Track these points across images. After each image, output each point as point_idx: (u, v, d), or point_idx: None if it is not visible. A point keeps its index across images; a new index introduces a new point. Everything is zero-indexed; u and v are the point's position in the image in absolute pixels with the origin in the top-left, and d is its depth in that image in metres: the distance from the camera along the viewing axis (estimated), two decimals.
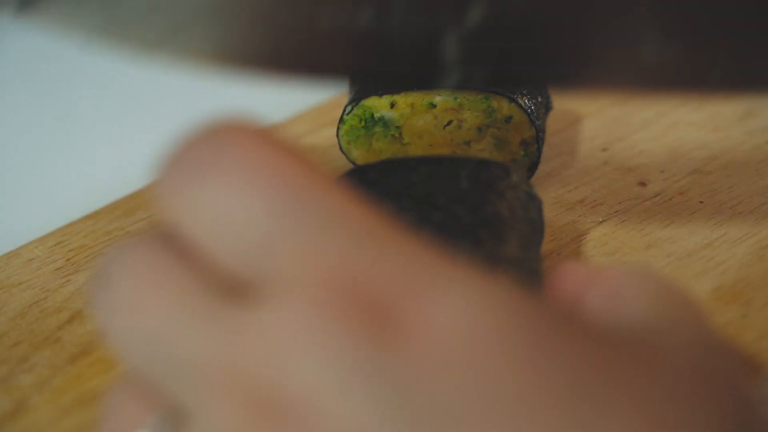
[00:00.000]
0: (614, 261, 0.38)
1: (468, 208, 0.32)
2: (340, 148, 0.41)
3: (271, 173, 0.21)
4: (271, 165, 0.21)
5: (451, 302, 0.20)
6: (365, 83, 0.41)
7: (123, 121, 0.51)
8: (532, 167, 0.40)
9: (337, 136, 0.41)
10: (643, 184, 0.42)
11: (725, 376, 0.22)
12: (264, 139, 0.22)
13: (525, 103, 0.39)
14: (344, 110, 0.41)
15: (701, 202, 0.41)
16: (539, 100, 0.41)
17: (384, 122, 0.40)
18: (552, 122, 0.43)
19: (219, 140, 0.22)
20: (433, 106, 0.40)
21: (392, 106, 0.40)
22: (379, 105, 0.40)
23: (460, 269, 0.21)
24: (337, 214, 0.21)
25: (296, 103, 0.49)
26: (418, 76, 0.32)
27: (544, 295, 0.26)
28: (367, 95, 0.40)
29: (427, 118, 0.40)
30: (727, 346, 0.24)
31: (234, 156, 0.22)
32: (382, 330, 0.20)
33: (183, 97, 0.53)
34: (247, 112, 0.23)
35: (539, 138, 0.39)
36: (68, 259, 0.40)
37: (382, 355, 0.20)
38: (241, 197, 0.21)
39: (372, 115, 0.40)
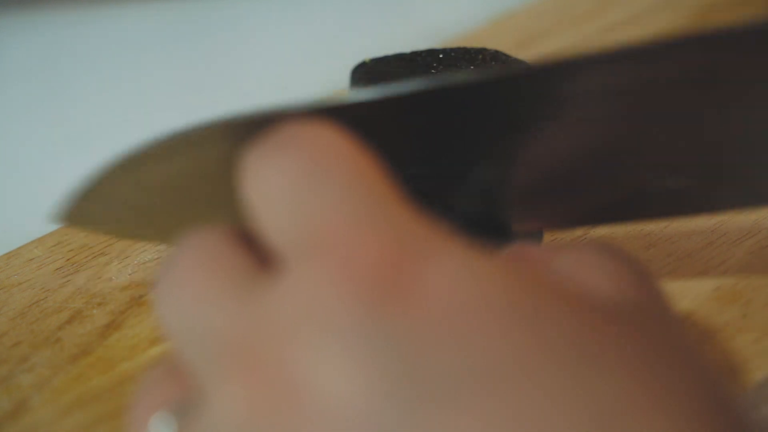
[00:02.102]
0: None
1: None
2: None
3: (311, 156, 0.22)
4: (312, 149, 0.23)
5: (454, 270, 0.21)
6: (365, 81, 0.41)
7: (123, 121, 0.51)
8: None
9: None
10: None
11: (686, 348, 0.23)
12: (323, 131, 0.23)
13: None
14: None
15: None
16: None
17: None
18: None
19: (288, 131, 0.23)
20: None
21: None
22: None
23: (464, 244, 0.22)
24: (359, 192, 0.22)
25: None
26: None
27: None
28: None
29: None
30: (682, 322, 0.24)
31: (292, 142, 0.23)
32: (390, 294, 0.20)
33: (183, 96, 0.53)
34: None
35: None
36: (68, 259, 0.40)
37: (388, 317, 0.20)
38: (287, 173, 0.22)
39: None
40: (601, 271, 0.24)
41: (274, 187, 0.23)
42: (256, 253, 0.23)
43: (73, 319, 0.37)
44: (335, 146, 0.23)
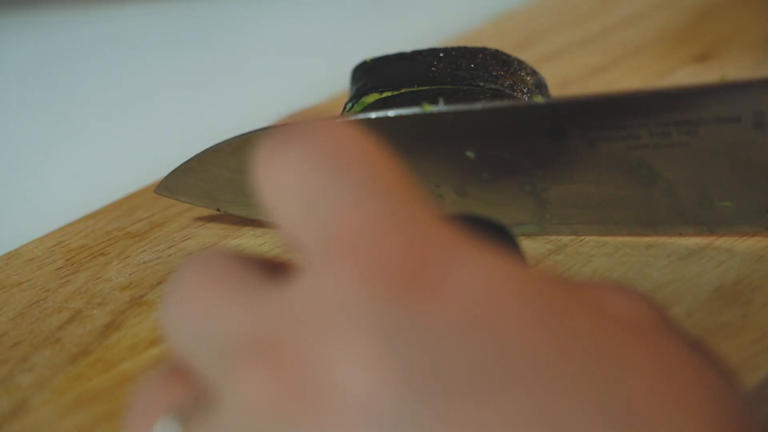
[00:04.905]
0: (614, 261, 0.38)
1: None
2: None
3: (326, 151, 0.22)
4: (329, 145, 0.22)
5: (476, 269, 0.21)
6: (366, 80, 0.41)
7: (123, 121, 0.51)
8: None
9: None
10: None
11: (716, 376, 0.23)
12: (337, 127, 0.23)
13: None
14: (345, 107, 0.41)
15: None
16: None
17: None
18: None
19: (302, 126, 0.23)
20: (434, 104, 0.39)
21: None
22: None
23: (484, 244, 0.22)
24: (380, 189, 0.22)
25: (296, 103, 0.49)
26: None
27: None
28: (367, 92, 0.40)
29: None
30: (698, 347, 0.24)
31: (307, 137, 0.23)
32: (411, 290, 0.20)
33: (182, 97, 0.53)
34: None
35: None
36: (68, 259, 0.40)
37: (408, 316, 0.20)
38: (301, 170, 0.22)
39: None
40: (621, 299, 0.24)
41: (291, 181, 0.22)
42: (263, 269, 0.23)
43: (73, 319, 0.37)
44: (352, 140, 0.23)
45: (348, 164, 0.22)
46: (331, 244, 0.21)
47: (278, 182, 0.23)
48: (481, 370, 0.20)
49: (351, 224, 0.21)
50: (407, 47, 0.42)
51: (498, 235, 0.32)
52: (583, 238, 0.39)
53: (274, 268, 0.23)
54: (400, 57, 0.42)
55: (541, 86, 0.42)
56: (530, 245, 0.37)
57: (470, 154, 0.36)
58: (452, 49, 0.42)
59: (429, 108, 0.36)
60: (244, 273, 0.23)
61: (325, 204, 0.22)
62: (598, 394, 0.20)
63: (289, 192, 0.22)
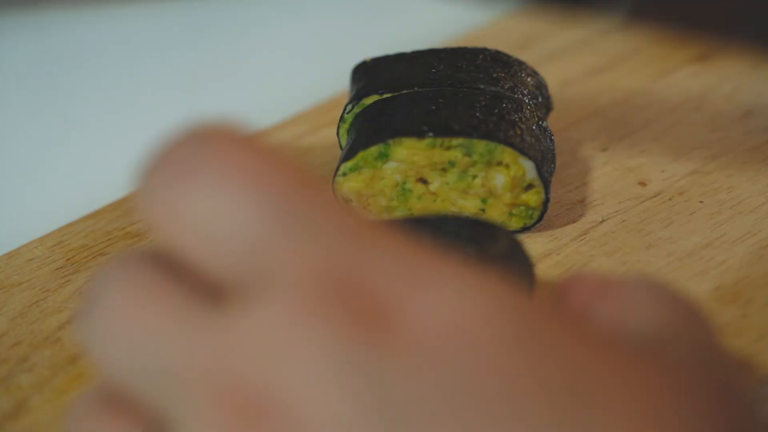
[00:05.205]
0: (614, 261, 0.38)
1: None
2: (341, 146, 0.41)
3: (256, 175, 0.21)
4: (256, 167, 0.21)
5: (437, 298, 0.20)
6: (366, 81, 0.41)
7: (123, 120, 0.51)
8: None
9: (338, 134, 0.41)
10: (643, 184, 0.42)
11: (725, 384, 0.23)
12: (248, 143, 0.22)
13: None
14: (345, 108, 0.41)
15: (701, 202, 0.41)
16: (539, 100, 0.41)
17: None
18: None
19: (202, 144, 0.22)
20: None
21: None
22: None
23: (447, 264, 0.21)
24: (324, 214, 0.21)
25: (296, 103, 0.49)
26: None
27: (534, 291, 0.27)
28: (367, 93, 0.40)
29: None
30: (728, 356, 0.24)
31: (218, 159, 0.21)
32: (368, 327, 0.20)
33: (183, 97, 0.53)
34: (230, 117, 0.23)
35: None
36: (68, 259, 0.40)
37: (366, 351, 0.20)
38: (226, 199, 0.21)
39: None
40: (649, 303, 0.24)
41: (221, 215, 0.21)
42: (183, 275, 0.22)
43: (73, 319, 0.37)
44: (278, 159, 0.21)
45: (300, 197, 0.21)
46: (276, 276, 0.21)
47: (193, 216, 0.21)
48: (434, 405, 0.19)
49: (298, 256, 0.21)
50: (407, 47, 0.42)
51: (499, 236, 0.32)
52: (583, 237, 0.39)
53: (200, 282, 0.22)
54: (400, 57, 0.42)
55: (541, 87, 0.42)
56: (531, 245, 0.37)
57: None
58: (452, 49, 0.42)
59: None
60: (175, 287, 0.22)
61: (261, 233, 0.21)
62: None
63: (208, 223, 0.21)
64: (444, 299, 0.20)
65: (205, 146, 0.22)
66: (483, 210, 0.39)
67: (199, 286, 0.22)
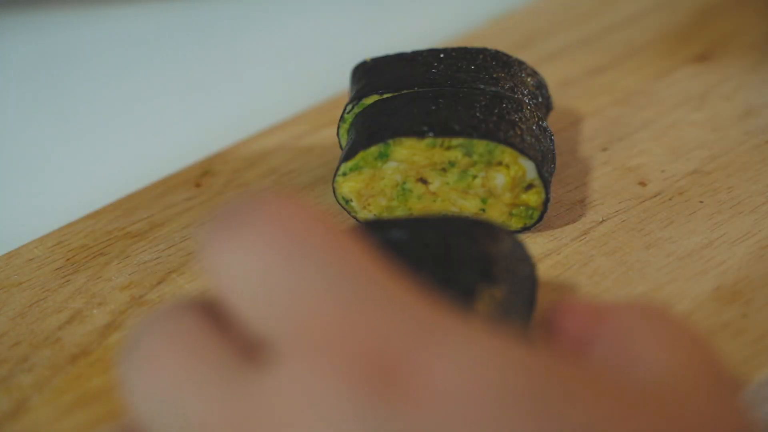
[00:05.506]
0: (614, 261, 0.38)
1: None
2: (341, 146, 0.41)
3: (286, 233, 0.22)
4: (289, 226, 0.22)
5: (453, 357, 0.21)
6: (366, 81, 0.41)
7: (123, 120, 0.51)
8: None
9: (338, 134, 0.41)
10: (643, 184, 0.42)
11: (731, 422, 0.23)
12: (292, 203, 0.22)
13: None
14: (345, 108, 0.41)
15: (701, 202, 0.41)
16: (539, 100, 0.41)
17: None
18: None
19: (251, 204, 0.23)
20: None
21: None
22: None
23: (463, 322, 0.22)
24: (347, 272, 0.22)
25: (296, 103, 0.49)
26: None
27: (542, 334, 0.27)
28: (367, 93, 0.40)
29: None
30: (736, 388, 0.24)
31: (260, 216, 0.22)
32: (386, 389, 0.20)
33: (182, 97, 0.53)
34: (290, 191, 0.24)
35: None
36: (68, 259, 0.40)
37: (385, 414, 0.20)
38: (260, 255, 0.22)
39: None
40: (651, 339, 0.24)
41: (248, 268, 0.22)
42: (228, 328, 0.23)
43: (73, 319, 0.37)
44: (310, 220, 0.22)
45: (309, 248, 0.22)
46: (300, 338, 0.21)
47: (233, 270, 0.22)
48: None
49: (319, 315, 0.21)
50: (407, 47, 0.42)
51: (500, 236, 0.32)
52: (583, 237, 0.39)
53: (239, 337, 0.22)
54: (400, 57, 0.42)
55: (541, 87, 0.42)
56: (531, 245, 0.37)
57: None
58: (452, 49, 0.42)
59: None
60: (213, 343, 0.22)
61: (288, 295, 0.21)
62: None
63: (247, 280, 0.22)
64: (458, 362, 0.21)
65: (254, 204, 0.22)
66: (483, 210, 0.39)
67: (237, 337, 0.22)
